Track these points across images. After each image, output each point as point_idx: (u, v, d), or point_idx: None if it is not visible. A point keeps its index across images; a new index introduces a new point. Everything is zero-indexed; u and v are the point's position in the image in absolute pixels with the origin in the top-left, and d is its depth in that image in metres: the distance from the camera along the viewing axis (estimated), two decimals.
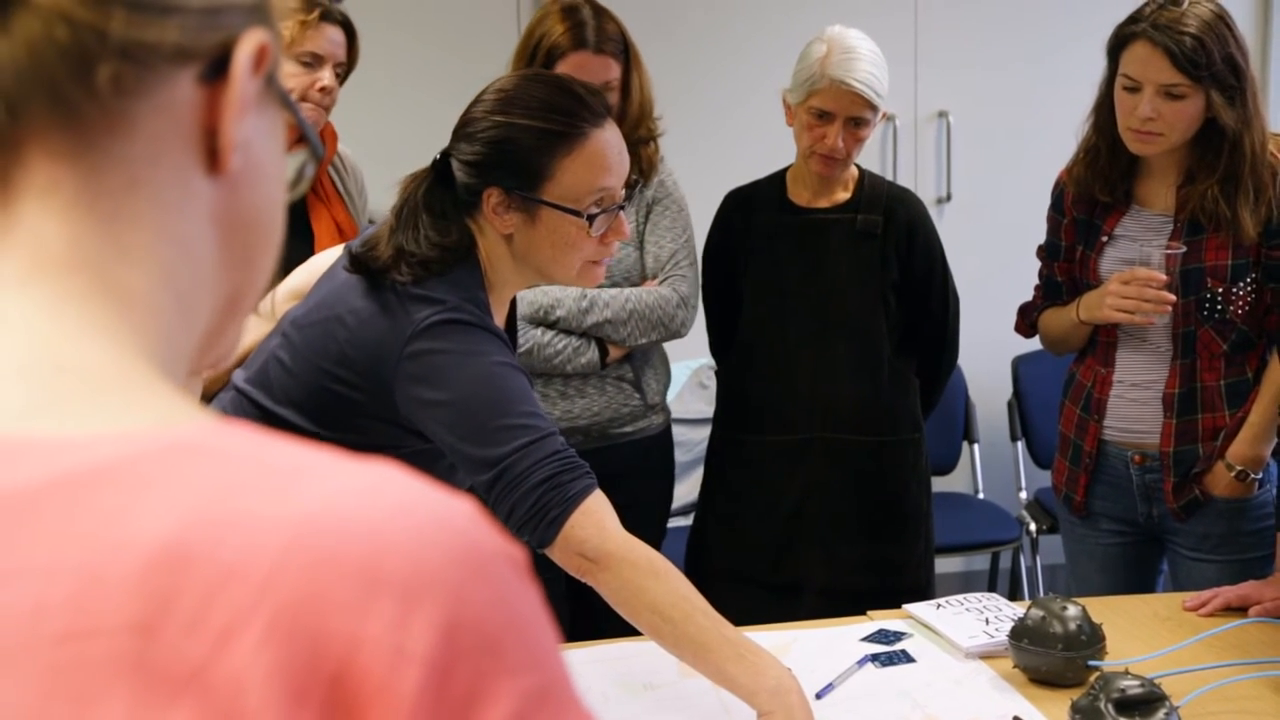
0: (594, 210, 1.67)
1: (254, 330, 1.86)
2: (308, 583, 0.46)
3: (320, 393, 1.67)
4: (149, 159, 0.56)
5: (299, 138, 0.68)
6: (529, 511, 1.58)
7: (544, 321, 2.50)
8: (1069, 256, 2.44)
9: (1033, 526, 3.70)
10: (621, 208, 1.72)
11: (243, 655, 0.45)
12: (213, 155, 0.58)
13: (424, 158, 1.73)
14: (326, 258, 1.97)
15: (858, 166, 2.61)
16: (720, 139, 3.77)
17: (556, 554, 1.61)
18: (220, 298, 0.61)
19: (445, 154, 1.71)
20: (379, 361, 1.63)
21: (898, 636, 2.00)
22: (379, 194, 2.67)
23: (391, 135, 3.48)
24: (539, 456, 1.58)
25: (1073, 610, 1.82)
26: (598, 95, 1.72)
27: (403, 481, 0.50)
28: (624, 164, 1.72)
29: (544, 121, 1.66)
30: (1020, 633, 1.82)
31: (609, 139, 1.69)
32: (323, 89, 2.34)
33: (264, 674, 0.45)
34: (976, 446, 3.93)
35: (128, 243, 0.56)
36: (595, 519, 1.60)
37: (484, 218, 1.69)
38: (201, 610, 0.45)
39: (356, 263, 1.67)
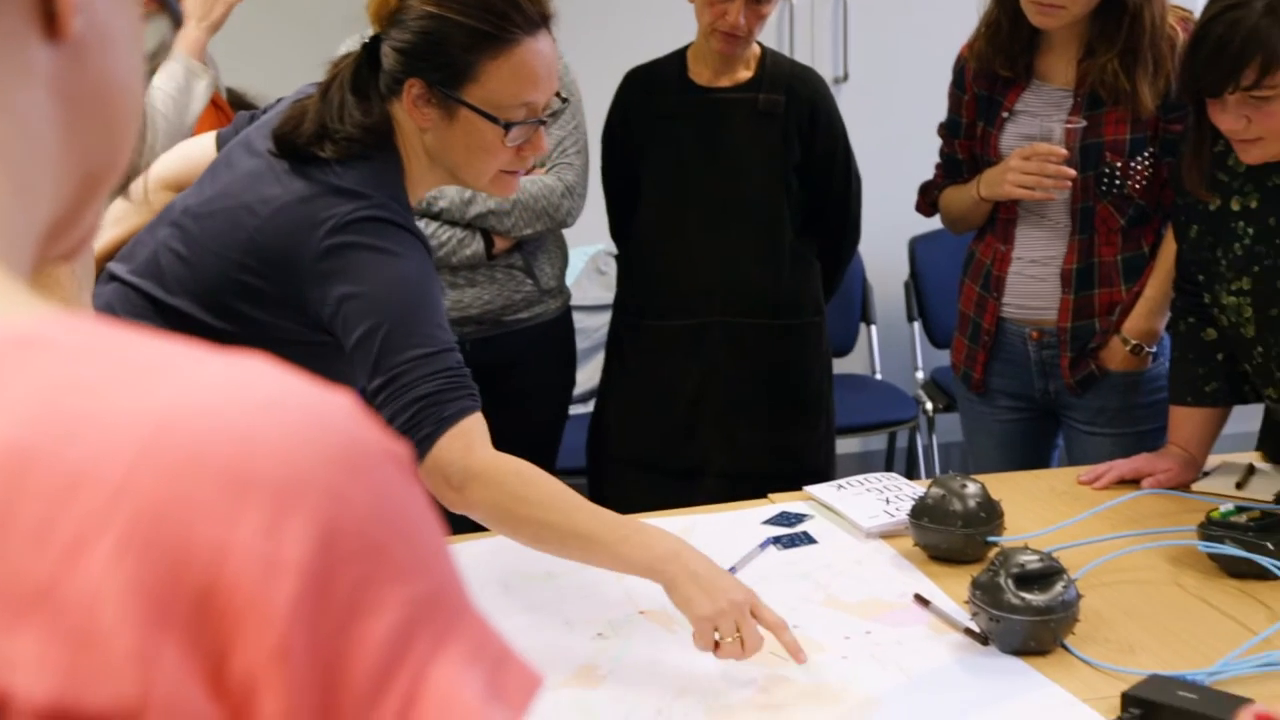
0: (514, 120, 1.62)
1: (128, 218, 1.77)
2: (168, 487, 0.41)
3: (222, 282, 1.61)
4: None
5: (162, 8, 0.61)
6: (404, 425, 1.51)
7: (427, 213, 2.42)
8: (969, 134, 2.42)
9: (929, 406, 3.74)
10: (543, 122, 1.67)
11: (96, 569, 0.40)
12: (50, 20, 0.51)
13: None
14: (196, 143, 1.89)
15: (760, 45, 2.56)
16: (619, 17, 3.68)
17: (425, 478, 1.52)
18: (72, 178, 0.55)
19: (376, 37, 1.65)
20: (292, 250, 1.58)
21: (799, 518, 2.01)
22: (243, 80, 2.57)
23: (258, 23, 3.34)
24: (429, 370, 1.52)
25: (972, 488, 1.83)
26: (540, 3, 1.65)
27: (274, 375, 0.45)
28: (553, 79, 1.66)
29: (476, 20, 1.59)
30: (920, 511, 1.83)
31: (541, 50, 1.64)
32: None
33: (120, 590, 0.40)
34: (874, 328, 3.95)
35: None
36: (464, 440, 1.52)
37: (404, 109, 1.63)
38: (47, 520, 0.40)
39: (280, 142, 1.62)
